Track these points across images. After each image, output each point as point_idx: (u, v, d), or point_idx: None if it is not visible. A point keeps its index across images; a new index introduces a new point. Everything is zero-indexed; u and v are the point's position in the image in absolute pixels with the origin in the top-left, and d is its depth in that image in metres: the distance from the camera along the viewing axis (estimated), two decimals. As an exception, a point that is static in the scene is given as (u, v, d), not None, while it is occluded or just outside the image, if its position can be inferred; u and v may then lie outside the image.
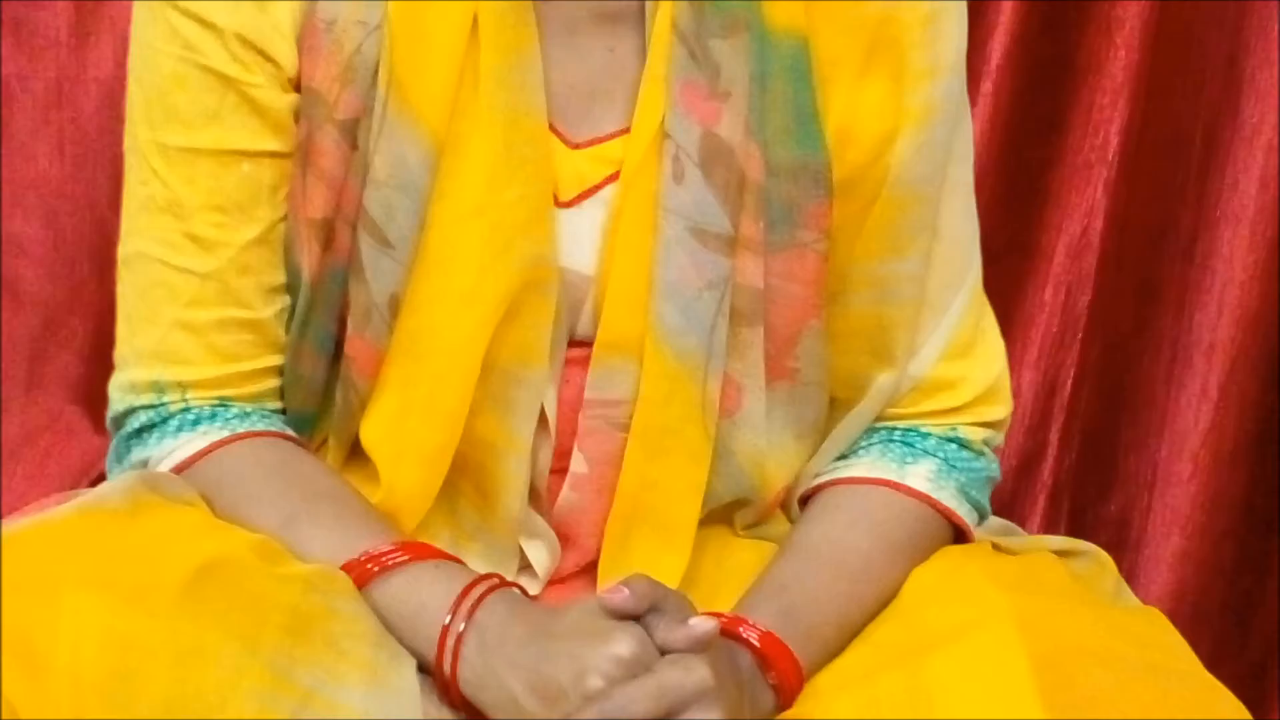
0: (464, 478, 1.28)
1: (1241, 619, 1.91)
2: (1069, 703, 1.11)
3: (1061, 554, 1.30)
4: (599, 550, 1.28)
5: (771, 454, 1.28)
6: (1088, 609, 1.23)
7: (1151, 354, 1.90)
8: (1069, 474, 1.90)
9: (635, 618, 1.14)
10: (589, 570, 1.30)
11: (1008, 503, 1.88)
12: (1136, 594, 1.35)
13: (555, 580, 1.30)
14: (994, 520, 1.35)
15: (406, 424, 1.25)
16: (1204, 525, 1.87)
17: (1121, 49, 1.84)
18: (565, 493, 1.28)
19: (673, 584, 1.24)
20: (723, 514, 1.32)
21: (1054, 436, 1.89)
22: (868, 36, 1.24)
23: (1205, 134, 1.87)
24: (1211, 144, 1.87)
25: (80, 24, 1.81)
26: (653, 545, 1.26)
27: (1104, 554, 1.32)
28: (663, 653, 1.14)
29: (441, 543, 1.27)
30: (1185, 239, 1.88)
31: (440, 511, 1.29)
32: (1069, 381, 1.88)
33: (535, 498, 1.29)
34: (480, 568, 1.25)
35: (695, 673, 1.12)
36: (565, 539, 1.30)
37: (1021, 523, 1.84)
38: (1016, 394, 1.88)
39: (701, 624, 1.14)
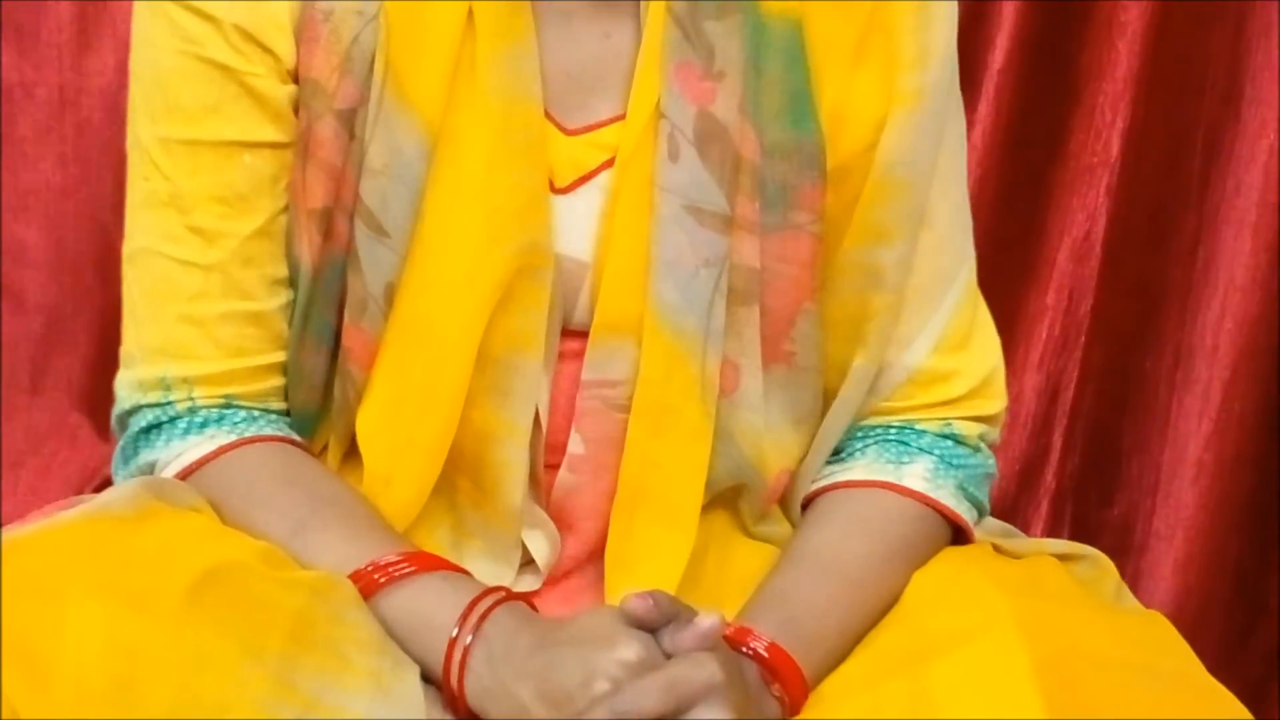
0: (461, 474, 1.28)
1: (1245, 623, 1.91)
2: (1072, 707, 1.10)
3: (1062, 558, 1.30)
4: (598, 536, 1.29)
5: (769, 436, 1.28)
6: (1090, 613, 1.23)
7: (1154, 357, 1.90)
8: (1072, 478, 1.90)
9: (651, 630, 1.14)
10: (591, 566, 1.30)
11: (1011, 506, 1.88)
12: (1140, 598, 1.35)
13: (558, 577, 1.30)
14: (993, 522, 1.35)
15: (401, 414, 1.25)
16: (1207, 528, 1.87)
17: (1123, 53, 1.84)
18: (563, 474, 1.28)
19: (679, 565, 1.25)
20: (727, 502, 1.33)
21: (1057, 440, 1.89)
22: (861, 25, 1.25)
23: (1207, 138, 1.87)
24: (1213, 148, 1.87)
25: (82, 31, 1.81)
26: (658, 527, 1.26)
27: (1105, 558, 1.32)
28: (669, 659, 1.14)
29: (442, 542, 1.28)
30: (1187, 242, 1.88)
31: (440, 512, 1.29)
32: (1072, 385, 1.88)
33: (532, 489, 1.29)
34: (482, 565, 1.25)
35: (705, 669, 1.12)
36: (564, 527, 1.30)
37: (1025, 526, 1.85)
38: (1019, 398, 1.88)
39: (707, 620, 1.14)
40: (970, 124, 1.84)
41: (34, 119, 1.81)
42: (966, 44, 1.82)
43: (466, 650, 1.16)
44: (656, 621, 1.14)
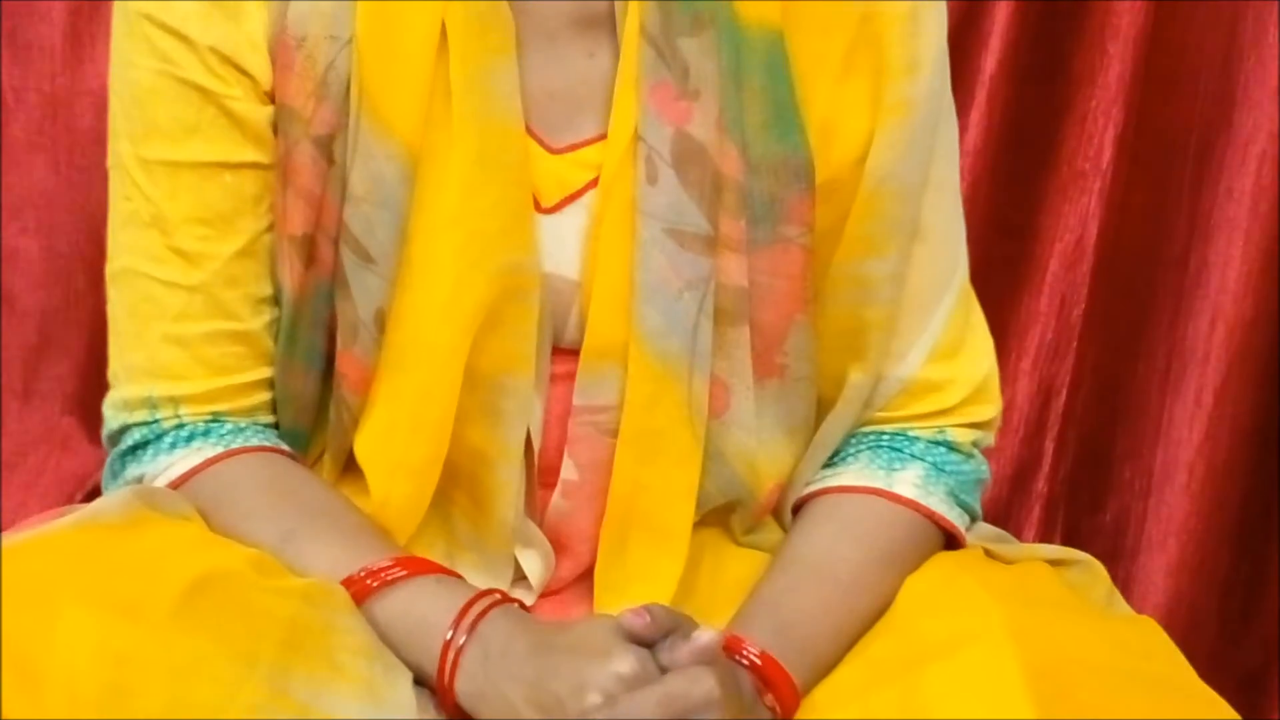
0: (457, 488, 1.28)
1: (1236, 628, 1.91)
2: (1063, 714, 1.10)
3: (1054, 563, 1.30)
4: (592, 557, 1.28)
5: (762, 452, 1.28)
6: (1082, 619, 1.23)
7: (1146, 363, 1.90)
8: (1064, 483, 1.90)
9: (648, 645, 1.14)
10: (583, 580, 1.30)
11: (1003, 511, 1.88)
12: (1131, 603, 1.35)
13: (550, 591, 1.30)
14: (986, 528, 1.35)
15: (395, 437, 1.25)
16: (1199, 534, 1.87)
17: (1115, 58, 1.84)
18: (556, 500, 1.28)
19: (670, 588, 1.25)
20: (718, 517, 1.32)
21: (1049, 445, 1.89)
22: (849, 35, 1.24)
23: (1199, 143, 1.87)
24: (1205, 153, 1.87)
25: (76, 36, 1.81)
26: (648, 550, 1.26)
27: (1096, 563, 1.32)
28: (665, 672, 1.13)
29: (436, 554, 1.27)
30: (1179, 248, 1.88)
31: (434, 523, 1.29)
32: (1064, 390, 1.88)
33: (528, 508, 1.29)
34: (475, 578, 1.25)
35: (702, 683, 1.12)
36: (559, 548, 1.29)
37: (1017, 531, 1.85)
38: (1011, 403, 1.88)
39: (705, 635, 1.14)
40: (962, 129, 1.82)
41: (27, 124, 1.81)
42: (958, 49, 1.83)
43: (460, 651, 1.16)
44: (654, 637, 1.14)
